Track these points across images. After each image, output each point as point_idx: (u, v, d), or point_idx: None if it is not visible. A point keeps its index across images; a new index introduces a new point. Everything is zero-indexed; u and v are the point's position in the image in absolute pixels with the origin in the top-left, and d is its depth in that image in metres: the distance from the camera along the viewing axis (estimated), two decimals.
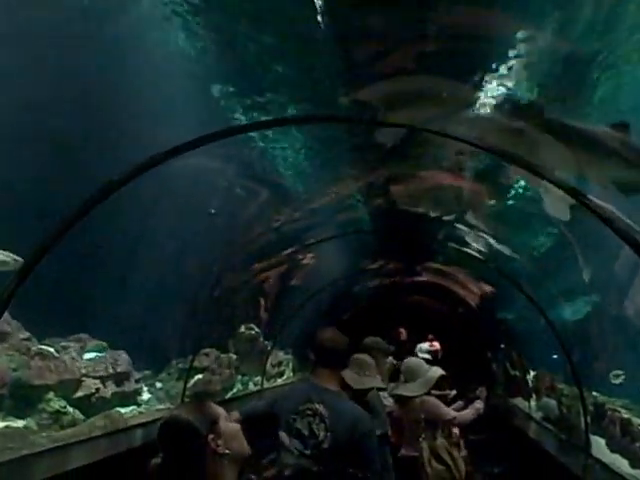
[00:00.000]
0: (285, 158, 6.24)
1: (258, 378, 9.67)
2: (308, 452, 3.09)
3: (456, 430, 5.06)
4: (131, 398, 6.43)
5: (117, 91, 4.45)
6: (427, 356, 7.44)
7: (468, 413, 5.00)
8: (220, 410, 2.08)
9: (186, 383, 6.95)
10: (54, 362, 5.29)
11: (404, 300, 14.48)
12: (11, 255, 4.97)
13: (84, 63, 4.36)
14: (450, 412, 4.91)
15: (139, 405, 6.55)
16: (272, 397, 3.53)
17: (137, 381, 6.63)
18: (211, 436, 1.96)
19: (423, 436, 4.69)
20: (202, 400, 2.14)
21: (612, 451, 5.86)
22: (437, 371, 4.97)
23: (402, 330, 10.64)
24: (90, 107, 4.37)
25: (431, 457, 4.55)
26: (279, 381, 10.88)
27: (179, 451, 1.95)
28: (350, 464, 3.08)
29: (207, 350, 8.08)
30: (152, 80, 4.54)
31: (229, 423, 2.06)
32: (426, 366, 5.07)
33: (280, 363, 11.07)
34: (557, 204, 5.32)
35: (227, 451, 1.98)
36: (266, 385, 9.85)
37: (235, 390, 8.95)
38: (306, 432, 3.12)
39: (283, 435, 3.19)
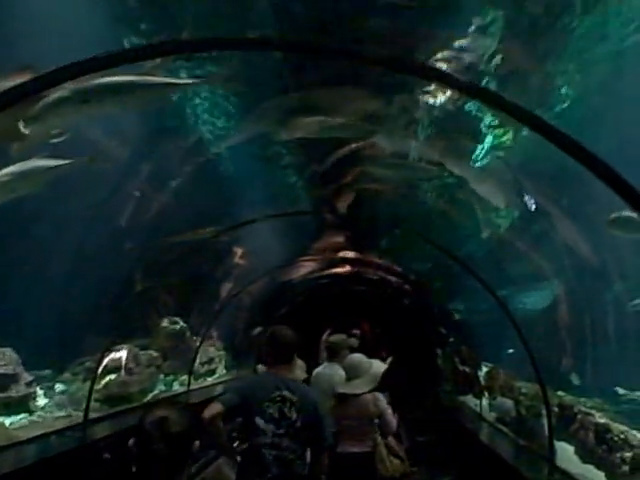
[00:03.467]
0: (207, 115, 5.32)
1: (185, 377, 8.77)
2: (282, 431, 3.67)
3: None
4: (20, 405, 5.43)
5: None
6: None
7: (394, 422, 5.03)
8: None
9: (93, 385, 5.91)
10: None
11: (345, 293, 13.76)
12: None
13: None
14: (392, 419, 4.97)
15: (31, 413, 5.52)
16: (238, 389, 3.88)
17: (29, 384, 5.58)
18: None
19: (378, 432, 4.86)
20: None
21: (584, 462, 5.19)
22: (380, 366, 5.15)
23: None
24: None
25: (388, 452, 4.86)
26: (209, 380, 10.01)
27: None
28: (313, 437, 3.77)
29: (122, 347, 7.06)
30: None
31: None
32: (368, 362, 5.11)
33: (211, 360, 10.16)
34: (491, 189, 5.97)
35: None
36: (194, 385, 8.92)
37: (156, 391, 8.01)
38: (277, 415, 3.68)
39: (259, 420, 3.68)
